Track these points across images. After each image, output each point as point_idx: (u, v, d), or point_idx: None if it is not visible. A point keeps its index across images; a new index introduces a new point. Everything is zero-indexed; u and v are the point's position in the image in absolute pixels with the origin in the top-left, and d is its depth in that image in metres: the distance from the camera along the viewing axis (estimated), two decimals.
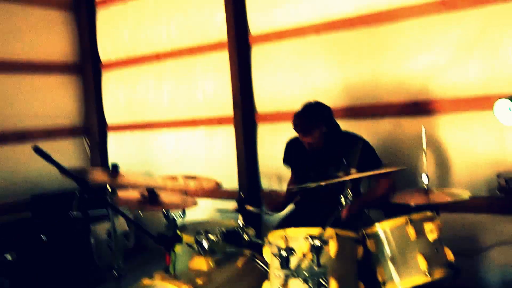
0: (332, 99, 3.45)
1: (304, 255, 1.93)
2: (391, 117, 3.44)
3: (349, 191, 2.04)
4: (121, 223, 4.40)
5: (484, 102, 3.03)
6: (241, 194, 2.46)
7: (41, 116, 4.86)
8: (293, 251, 1.95)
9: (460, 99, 3.17)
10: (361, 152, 2.54)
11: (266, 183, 4.03)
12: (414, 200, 2.42)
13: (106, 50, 5.15)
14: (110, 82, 5.17)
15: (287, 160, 3.22)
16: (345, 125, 3.12)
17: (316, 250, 1.89)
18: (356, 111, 3.56)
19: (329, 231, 2.07)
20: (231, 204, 2.80)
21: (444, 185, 3.13)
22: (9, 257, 2.60)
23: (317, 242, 1.89)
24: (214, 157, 4.38)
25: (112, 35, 5.07)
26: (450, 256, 2.24)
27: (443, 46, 3.21)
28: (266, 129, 4.09)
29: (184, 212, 3.02)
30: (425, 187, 2.49)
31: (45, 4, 4.94)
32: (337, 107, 3.35)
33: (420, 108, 3.30)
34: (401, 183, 2.90)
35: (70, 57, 5.17)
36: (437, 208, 2.48)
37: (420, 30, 3.30)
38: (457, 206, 2.75)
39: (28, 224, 4.13)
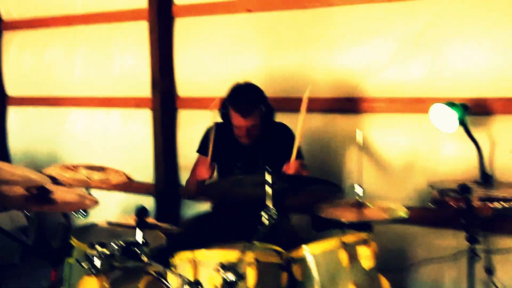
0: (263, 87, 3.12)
1: None
2: (321, 113, 3.20)
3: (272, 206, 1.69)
4: (19, 216, 3.89)
5: (421, 105, 2.88)
6: (143, 205, 2.05)
7: None
8: (200, 287, 1.58)
9: (396, 99, 3.00)
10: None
11: (186, 177, 3.65)
12: (346, 216, 2.13)
13: (7, 5, 4.56)
14: (11, 45, 4.62)
15: (203, 150, 2.83)
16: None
17: (230, 286, 1.53)
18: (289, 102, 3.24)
19: (249, 256, 1.72)
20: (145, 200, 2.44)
21: (376, 193, 2.89)
22: None
23: (231, 277, 1.53)
24: (130, 143, 4.06)
25: None
26: (386, 285, 1.96)
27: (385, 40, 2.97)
28: (187, 116, 3.80)
29: (86, 211, 2.60)
30: (358, 200, 2.21)
31: None
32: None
33: (353, 105, 3.11)
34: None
35: None
36: (370, 225, 2.22)
37: (362, 17, 3.06)
38: None
39: None
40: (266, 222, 1.77)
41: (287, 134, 2.81)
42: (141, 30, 3.82)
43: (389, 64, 2.98)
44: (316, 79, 3.21)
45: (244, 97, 2.67)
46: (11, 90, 4.64)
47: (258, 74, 3.33)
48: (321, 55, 3.22)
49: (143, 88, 3.83)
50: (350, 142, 3.07)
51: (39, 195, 2.53)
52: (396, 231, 2.99)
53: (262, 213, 1.78)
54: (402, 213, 2.19)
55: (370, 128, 3.09)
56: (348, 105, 3.14)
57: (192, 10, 3.66)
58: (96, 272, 2.03)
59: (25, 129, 4.62)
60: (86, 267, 2.03)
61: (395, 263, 2.92)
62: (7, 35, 4.62)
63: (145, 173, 3.79)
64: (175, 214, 3.78)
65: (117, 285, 2.19)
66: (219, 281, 1.62)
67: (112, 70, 4.06)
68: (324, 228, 2.27)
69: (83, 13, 4.16)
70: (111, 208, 3.85)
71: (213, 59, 3.60)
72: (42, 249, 2.02)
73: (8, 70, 4.61)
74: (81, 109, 4.27)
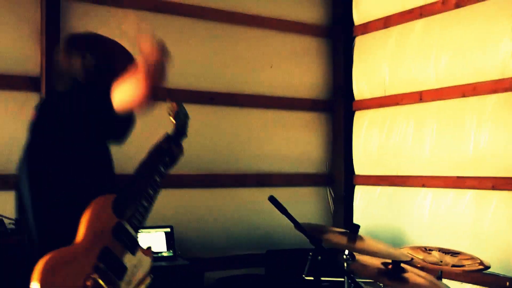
0: None
1: None
2: None
3: None
4: None
5: None
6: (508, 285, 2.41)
7: (282, 160, 5.44)
8: None
9: None
10: None
11: None
12: None
13: (360, 86, 5.56)
14: (362, 124, 5.52)
15: None
16: None
17: None
18: None
19: None
20: None
21: None
22: None
23: None
24: (484, 230, 4.27)
25: (369, 68, 5.46)
26: None
27: None
28: None
29: None
30: None
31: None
32: None
33: None
34: None
35: (320, 93, 5.73)
36: None
37: None
38: None
39: (261, 280, 4.79)
40: None
41: None
42: (501, 103, 4.18)
43: None
44: None
45: None
46: (358, 168, 5.50)
47: None
48: None
49: (504, 167, 4.12)
50: None
51: (393, 271, 3.18)
52: None
53: None
54: None
55: None
56: None
57: None
58: None
59: (370, 208, 5.33)
60: None
61: None
62: (358, 115, 5.56)
63: (502, 264, 3.94)
64: None
65: None
66: None
67: (464, 147, 4.47)
68: None
69: (435, 88, 4.75)
70: None
71: None
72: None
73: (357, 149, 5.49)
74: (429, 189, 4.75)
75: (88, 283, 2.12)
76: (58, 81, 2.52)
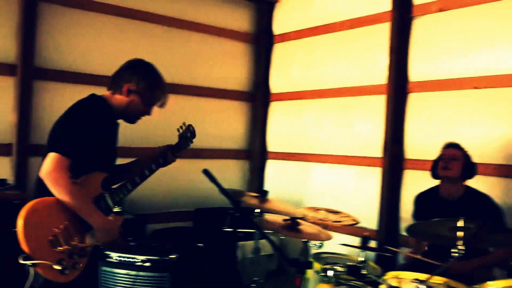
0: (480, 154, 3.74)
1: None
2: None
3: (462, 245, 2.33)
4: (266, 246, 5.04)
5: None
6: (366, 234, 2.89)
7: (214, 137, 5.70)
8: None
9: None
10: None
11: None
12: None
13: (276, 82, 5.91)
14: (275, 112, 5.90)
15: (418, 215, 3.54)
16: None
17: None
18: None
19: (438, 279, 2.39)
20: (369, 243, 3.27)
21: None
22: (173, 257, 3.34)
23: (423, 286, 2.25)
24: (360, 196, 4.78)
25: (283, 69, 5.82)
26: None
27: None
28: (413, 176, 4.39)
29: (321, 244, 3.52)
30: None
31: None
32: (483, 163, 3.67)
33: None
34: None
35: (245, 86, 6.00)
36: None
37: None
38: None
39: (190, 231, 4.99)
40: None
41: (490, 206, 3.30)
42: (378, 102, 4.62)
43: None
44: None
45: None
46: (271, 146, 5.89)
47: (478, 142, 3.89)
48: None
49: (375, 150, 4.59)
50: None
51: (291, 225, 3.58)
52: None
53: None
54: None
55: None
56: None
57: (425, 87, 4.33)
58: (329, 281, 2.94)
59: (279, 177, 5.75)
60: (322, 276, 2.95)
61: None
62: (273, 105, 5.93)
63: (370, 222, 4.45)
64: (393, 258, 4.45)
65: None
66: None
67: (350, 134, 4.94)
68: None
69: (332, 88, 5.16)
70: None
71: (440, 127, 4.19)
72: (291, 262, 2.91)
73: (271, 132, 5.89)
74: (323, 164, 5.19)
75: (61, 226, 2.37)
76: None
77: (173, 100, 5.32)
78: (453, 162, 3.36)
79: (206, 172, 2.68)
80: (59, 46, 4.63)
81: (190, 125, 3.04)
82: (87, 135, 2.45)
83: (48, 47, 4.57)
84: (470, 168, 3.41)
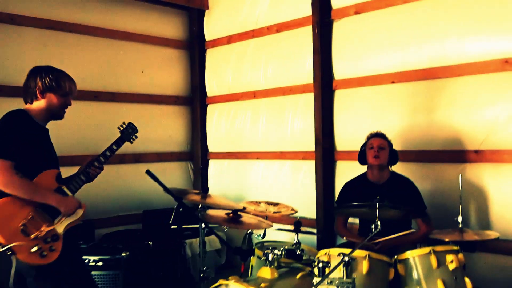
0: (401, 142, 4.19)
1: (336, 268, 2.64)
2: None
3: (379, 223, 2.70)
4: (214, 241, 5.32)
5: None
6: (298, 219, 3.25)
7: (154, 142, 5.88)
8: (329, 264, 2.69)
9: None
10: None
11: None
12: (449, 237, 3.01)
13: (212, 84, 6.16)
14: (213, 114, 6.16)
15: (342, 201, 3.92)
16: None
17: (345, 265, 2.60)
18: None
19: (363, 252, 2.77)
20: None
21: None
22: (124, 255, 3.57)
23: (346, 259, 2.60)
24: (297, 188, 5.14)
25: (217, 73, 6.09)
26: (468, 285, 2.80)
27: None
28: (344, 166, 4.79)
29: (264, 233, 3.82)
30: (460, 226, 3.07)
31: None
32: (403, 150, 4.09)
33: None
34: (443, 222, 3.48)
35: (181, 91, 6.23)
36: (473, 245, 3.06)
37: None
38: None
39: (139, 232, 5.21)
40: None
41: (411, 188, 3.74)
42: (307, 100, 4.99)
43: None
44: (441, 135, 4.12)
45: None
46: (211, 147, 6.14)
47: (398, 131, 4.35)
48: (447, 116, 4.08)
49: (309, 144, 4.95)
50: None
51: (233, 218, 3.87)
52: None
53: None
54: (493, 235, 3.00)
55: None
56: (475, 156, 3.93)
57: (348, 84, 4.74)
58: (270, 264, 3.25)
59: (221, 175, 6.02)
60: (264, 260, 3.26)
61: None
62: (210, 108, 6.17)
63: (309, 212, 4.85)
64: (332, 242, 4.75)
65: (282, 275, 3.35)
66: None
67: (284, 131, 5.27)
68: None
69: (265, 89, 5.47)
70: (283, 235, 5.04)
71: (364, 120, 4.60)
72: (235, 251, 3.23)
73: (210, 133, 6.14)
74: (261, 161, 5.56)
75: (29, 217, 2.68)
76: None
77: (112, 108, 5.61)
78: (382, 151, 3.74)
79: (149, 173, 2.94)
80: None
81: (130, 123, 3.32)
82: (18, 139, 2.73)
83: None
84: (394, 156, 3.79)
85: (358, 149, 4.26)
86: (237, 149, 5.84)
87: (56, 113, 2.98)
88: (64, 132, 4.65)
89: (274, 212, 4.17)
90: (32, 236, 2.65)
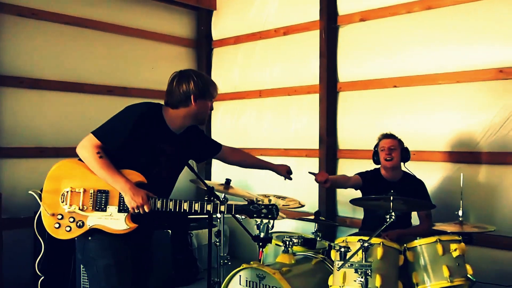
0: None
1: (356, 253, 3.01)
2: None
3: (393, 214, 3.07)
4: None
5: None
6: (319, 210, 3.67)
7: None
8: (349, 249, 3.06)
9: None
10: None
11: (342, 210, 5.12)
12: (450, 228, 3.40)
13: (217, 84, 6.42)
14: (219, 112, 6.46)
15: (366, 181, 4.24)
16: None
17: (364, 250, 2.97)
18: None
19: (377, 240, 3.14)
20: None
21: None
22: None
23: (365, 244, 2.97)
24: (301, 184, 5.44)
25: (224, 72, 6.40)
26: (469, 271, 3.20)
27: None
28: (345, 163, 5.16)
29: (273, 224, 4.15)
30: (460, 219, 3.46)
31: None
32: None
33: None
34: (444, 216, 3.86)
35: None
36: (471, 237, 3.45)
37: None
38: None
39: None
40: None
41: (421, 187, 4.04)
42: (312, 100, 5.35)
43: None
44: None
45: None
46: None
47: (398, 131, 4.74)
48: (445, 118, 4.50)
49: (312, 142, 5.32)
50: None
51: None
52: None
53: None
54: (490, 228, 3.40)
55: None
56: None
57: (352, 86, 5.11)
58: (288, 252, 3.61)
59: (224, 171, 6.13)
60: (283, 248, 3.62)
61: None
62: (216, 106, 6.30)
63: (311, 207, 5.16)
64: (333, 234, 5.17)
65: (298, 261, 3.73)
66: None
67: (288, 129, 5.63)
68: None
69: (270, 89, 5.80)
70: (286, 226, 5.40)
71: (366, 121, 4.97)
72: (254, 238, 3.59)
73: (216, 129, 6.43)
74: (266, 157, 5.83)
75: (77, 190, 2.68)
76: None
77: (125, 103, 5.70)
78: (393, 152, 4.00)
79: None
80: (19, 54, 4.98)
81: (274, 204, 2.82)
82: (123, 129, 2.70)
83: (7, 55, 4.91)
84: (406, 153, 4.08)
85: (360, 148, 4.64)
86: (241, 145, 6.11)
87: (205, 118, 2.96)
88: (79, 124, 4.95)
89: (283, 205, 4.52)
90: (64, 206, 2.65)
